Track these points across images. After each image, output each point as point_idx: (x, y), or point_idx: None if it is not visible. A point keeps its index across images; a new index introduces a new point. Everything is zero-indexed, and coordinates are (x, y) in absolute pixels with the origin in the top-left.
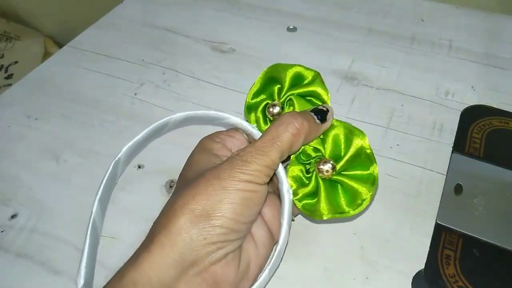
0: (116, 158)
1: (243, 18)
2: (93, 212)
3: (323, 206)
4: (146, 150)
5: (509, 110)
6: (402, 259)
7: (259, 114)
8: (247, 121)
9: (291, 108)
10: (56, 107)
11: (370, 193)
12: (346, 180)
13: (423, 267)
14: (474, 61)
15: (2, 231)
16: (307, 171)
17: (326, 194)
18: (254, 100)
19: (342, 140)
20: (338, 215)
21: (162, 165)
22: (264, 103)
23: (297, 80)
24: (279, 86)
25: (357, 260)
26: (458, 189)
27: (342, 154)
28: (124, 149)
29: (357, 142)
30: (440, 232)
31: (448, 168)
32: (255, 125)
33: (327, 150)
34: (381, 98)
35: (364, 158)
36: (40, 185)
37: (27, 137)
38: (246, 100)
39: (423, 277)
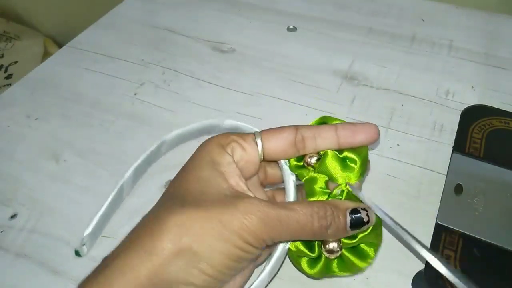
0: (163, 139)
1: (243, 18)
2: (125, 177)
3: (316, 271)
4: (146, 150)
5: (509, 110)
6: (402, 259)
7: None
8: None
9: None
10: (56, 107)
11: (365, 266)
12: (346, 253)
13: (423, 267)
14: (474, 61)
15: (1, 231)
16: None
17: (324, 263)
18: None
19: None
20: (325, 275)
21: (162, 165)
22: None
23: None
24: None
25: None
26: (459, 189)
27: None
28: (174, 132)
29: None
30: (440, 232)
31: (448, 168)
32: (287, 161)
33: None
34: (381, 98)
35: (371, 236)
36: (39, 185)
37: (27, 137)
38: None
39: (423, 278)
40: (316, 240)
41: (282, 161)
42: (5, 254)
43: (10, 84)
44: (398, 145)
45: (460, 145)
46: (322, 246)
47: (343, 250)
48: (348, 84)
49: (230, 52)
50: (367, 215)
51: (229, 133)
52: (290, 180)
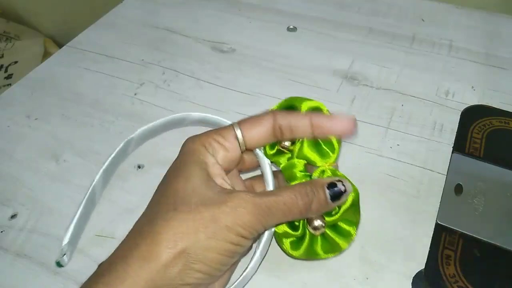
0: (129, 137)
1: (243, 18)
2: (95, 180)
3: (301, 253)
4: (146, 150)
5: (509, 110)
6: (402, 259)
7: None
8: None
9: (299, 145)
10: (56, 107)
11: (346, 246)
12: (328, 233)
13: (423, 267)
14: (474, 61)
15: (1, 231)
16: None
17: (308, 244)
18: None
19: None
20: (310, 257)
21: (162, 165)
22: None
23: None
24: None
25: (357, 260)
26: (459, 189)
27: (335, 211)
28: (139, 130)
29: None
30: (440, 232)
31: (448, 168)
32: (261, 148)
33: None
34: (381, 98)
35: (350, 212)
36: (39, 185)
37: (26, 137)
38: None
39: (423, 277)
40: (301, 220)
41: (257, 149)
42: (5, 254)
43: (10, 84)
44: (398, 145)
45: (460, 145)
46: (308, 225)
47: (326, 230)
48: (348, 84)
49: (230, 52)
50: (343, 185)
51: (209, 132)
52: (267, 167)
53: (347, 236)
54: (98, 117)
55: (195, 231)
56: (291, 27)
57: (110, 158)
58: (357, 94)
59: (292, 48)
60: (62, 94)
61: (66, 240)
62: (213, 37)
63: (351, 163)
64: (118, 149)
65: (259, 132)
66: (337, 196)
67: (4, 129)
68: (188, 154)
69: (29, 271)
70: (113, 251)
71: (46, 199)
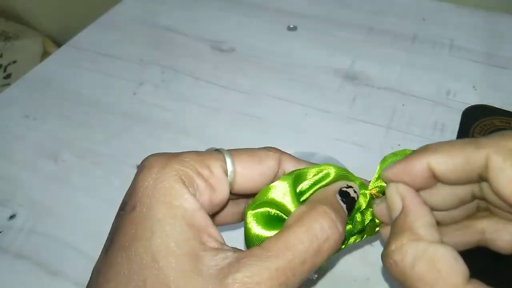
0: None
1: (243, 17)
2: None
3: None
4: (146, 150)
5: (510, 110)
6: None
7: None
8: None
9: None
10: (54, 107)
11: None
12: None
13: None
14: (476, 61)
15: (0, 232)
16: None
17: None
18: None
19: None
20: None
21: None
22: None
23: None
24: None
25: (358, 261)
26: None
27: None
28: None
29: None
30: None
31: None
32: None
33: None
34: (382, 98)
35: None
36: (38, 185)
37: (25, 137)
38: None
39: None
40: None
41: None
42: (4, 255)
43: (9, 84)
44: (399, 145)
45: None
46: None
47: None
48: (348, 84)
49: (230, 51)
50: (354, 190)
51: (185, 157)
52: None
53: None
54: (97, 117)
55: None
56: (291, 26)
57: None
58: (357, 94)
59: (292, 47)
60: (61, 94)
61: None
62: (212, 36)
63: (352, 164)
64: None
65: (258, 172)
66: (351, 204)
67: (2, 129)
68: (153, 199)
69: (28, 272)
70: None
71: (44, 199)
